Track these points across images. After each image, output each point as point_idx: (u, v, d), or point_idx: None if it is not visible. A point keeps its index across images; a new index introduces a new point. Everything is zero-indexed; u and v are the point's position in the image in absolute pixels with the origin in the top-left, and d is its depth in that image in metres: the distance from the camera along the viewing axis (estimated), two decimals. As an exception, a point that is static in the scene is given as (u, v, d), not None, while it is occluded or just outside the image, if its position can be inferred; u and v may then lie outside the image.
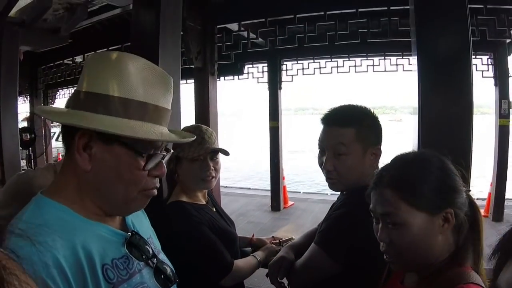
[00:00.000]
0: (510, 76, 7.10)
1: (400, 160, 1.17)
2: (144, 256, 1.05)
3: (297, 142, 30.06)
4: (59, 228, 0.89)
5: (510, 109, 7.11)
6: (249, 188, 12.17)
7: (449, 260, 1.07)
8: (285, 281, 1.74)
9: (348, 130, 1.56)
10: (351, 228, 1.49)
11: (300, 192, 12.28)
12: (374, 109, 1.70)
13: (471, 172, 1.95)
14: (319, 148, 1.67)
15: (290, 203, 9.64)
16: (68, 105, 1.00)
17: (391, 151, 1.32)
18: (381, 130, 1.65)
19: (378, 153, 1.62)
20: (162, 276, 1.09)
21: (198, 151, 1.84)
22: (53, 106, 1.46)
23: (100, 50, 6.44)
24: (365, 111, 1.64)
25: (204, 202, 1.98)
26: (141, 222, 1.21)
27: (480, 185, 9.91)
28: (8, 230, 0.88)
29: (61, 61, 8.37)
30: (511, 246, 0.68)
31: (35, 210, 0.93)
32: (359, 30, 5.45)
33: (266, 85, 8.51)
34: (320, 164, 1.66)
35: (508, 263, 0.65)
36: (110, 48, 6.38)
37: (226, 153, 1.94)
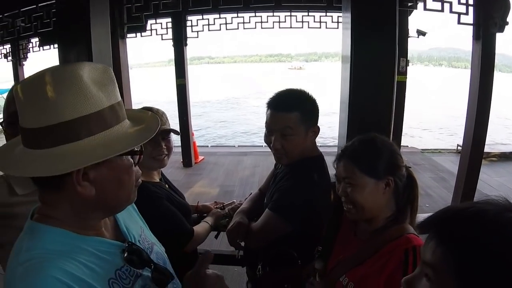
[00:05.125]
0: (409, 37, 7.73)
1: (359, 140, 1.54)
2: (141, 263, 1.08)
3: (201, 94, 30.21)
4: (60, 251, 0.90)
5: (407, 67, 7.85)
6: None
7: (393, 219, 1.47)
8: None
9: (294, 114, 1.82)
10: (300, 196, 1.82)
11: (208, 146, 12.57)
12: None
13: (394, 94, 2.58)
14: (266, 129, 1.92)
15: (200, 158, 9.90)
16: (35, 145, 0.91)
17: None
18: (318, 110, 1.93)
19: (317, 131, 1.93)
20: (160, 275, 1.12)
21: None
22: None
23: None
24: (306, 95, 1.92)
25: (158, 180, 2.12)
26: (131, 218, 1.26)
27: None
28: (11, 264, 0.89)
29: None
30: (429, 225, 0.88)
31: (33, 238, 0.92)
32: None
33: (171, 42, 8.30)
34: (268, 143, 1.93)
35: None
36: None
37: (176, 132, 2.08)
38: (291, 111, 1.82)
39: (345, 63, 2.44)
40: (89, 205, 0.96)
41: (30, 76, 0.91)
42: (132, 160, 1.03)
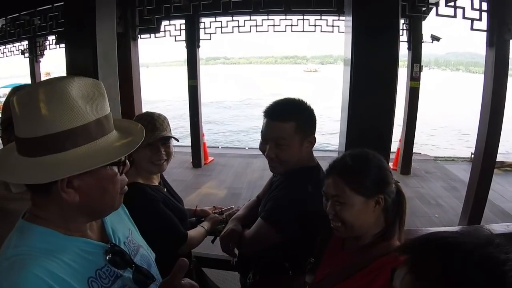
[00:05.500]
0: (423, 42, 7.68)
1: (349, 156, 1.49)
2: (123, 264, 1.13)
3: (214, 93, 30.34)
4: (46, 249, 0.96)
5: (421, 72, 7.77)
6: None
7: (381, 235, 1.44)
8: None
9: (289, 124, 1.81)
10: (292, 207, 1.80)
11: (218, 147, 12.62)
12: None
13: (395, 101, 2.37)
14: (261, 137, 1.92)
15: (210, 158, 9.92)
16: (26, 153, 0.98)
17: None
18: (316, 121, 1.91)
19: (313, 141, 1.91)
20: (141, 277, 1.16)
21: (149, 138, 1.93)
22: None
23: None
24: (303, 105, 1.89)
25: (157, 184, 2.14)
26: (120, 220, 1.30)
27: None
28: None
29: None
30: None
31: (21, 236, 0.99)
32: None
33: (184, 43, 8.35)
34: (263, 151, 1.92)
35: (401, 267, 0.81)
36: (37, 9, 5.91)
37: (175, 139, 2.10)
38: (286, 121, 1.81)
39: (346, 66, 2.41)
40: (74, 209, 1.03)
41: (25, 89, 0.98)
42: (116, 170, 1.07)
